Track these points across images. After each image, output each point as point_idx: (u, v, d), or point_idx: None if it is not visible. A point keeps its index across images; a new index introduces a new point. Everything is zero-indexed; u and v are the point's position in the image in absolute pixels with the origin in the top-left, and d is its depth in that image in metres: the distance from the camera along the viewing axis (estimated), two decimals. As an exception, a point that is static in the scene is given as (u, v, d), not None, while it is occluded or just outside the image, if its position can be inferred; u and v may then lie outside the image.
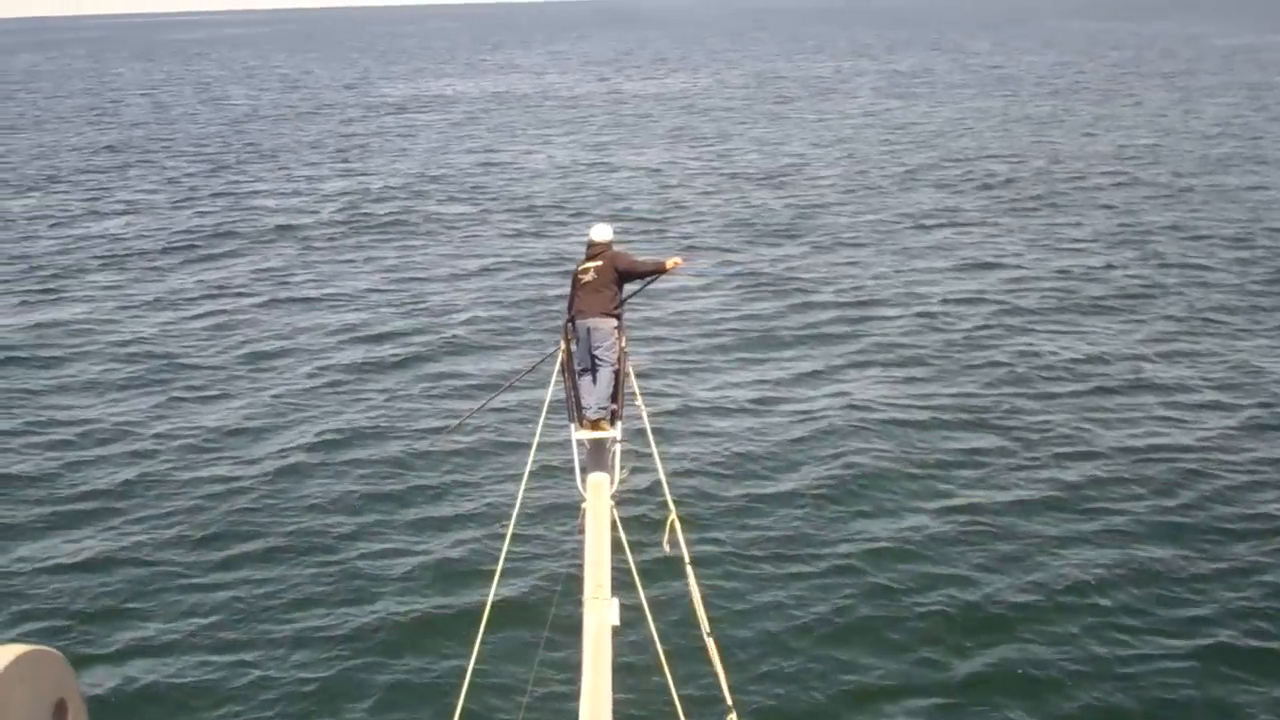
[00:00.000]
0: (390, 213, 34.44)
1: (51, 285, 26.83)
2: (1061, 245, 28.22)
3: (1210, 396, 18.02)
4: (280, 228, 32.68)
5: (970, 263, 26.68)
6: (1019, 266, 26.23)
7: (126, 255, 29.84)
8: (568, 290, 9.29)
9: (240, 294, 25.74)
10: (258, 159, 47.14)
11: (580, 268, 9.04)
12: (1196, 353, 20.11)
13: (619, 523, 6.67)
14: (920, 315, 22.58)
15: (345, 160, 46.10)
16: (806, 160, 42.92)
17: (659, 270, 9.28)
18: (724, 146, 47.39)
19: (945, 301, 23.45)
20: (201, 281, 26.93)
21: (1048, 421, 17.13)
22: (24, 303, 25.32)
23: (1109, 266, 25.92)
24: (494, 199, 36.65)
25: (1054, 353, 20.17)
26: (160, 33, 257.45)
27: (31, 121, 64.46)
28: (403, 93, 77.50)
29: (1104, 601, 12.15)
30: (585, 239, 9.40)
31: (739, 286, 25.08)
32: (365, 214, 34.46)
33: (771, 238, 30.02)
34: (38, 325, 23.39)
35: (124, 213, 35.72)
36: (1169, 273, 25.36)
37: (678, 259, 9.35)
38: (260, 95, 78.72)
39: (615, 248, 9.22)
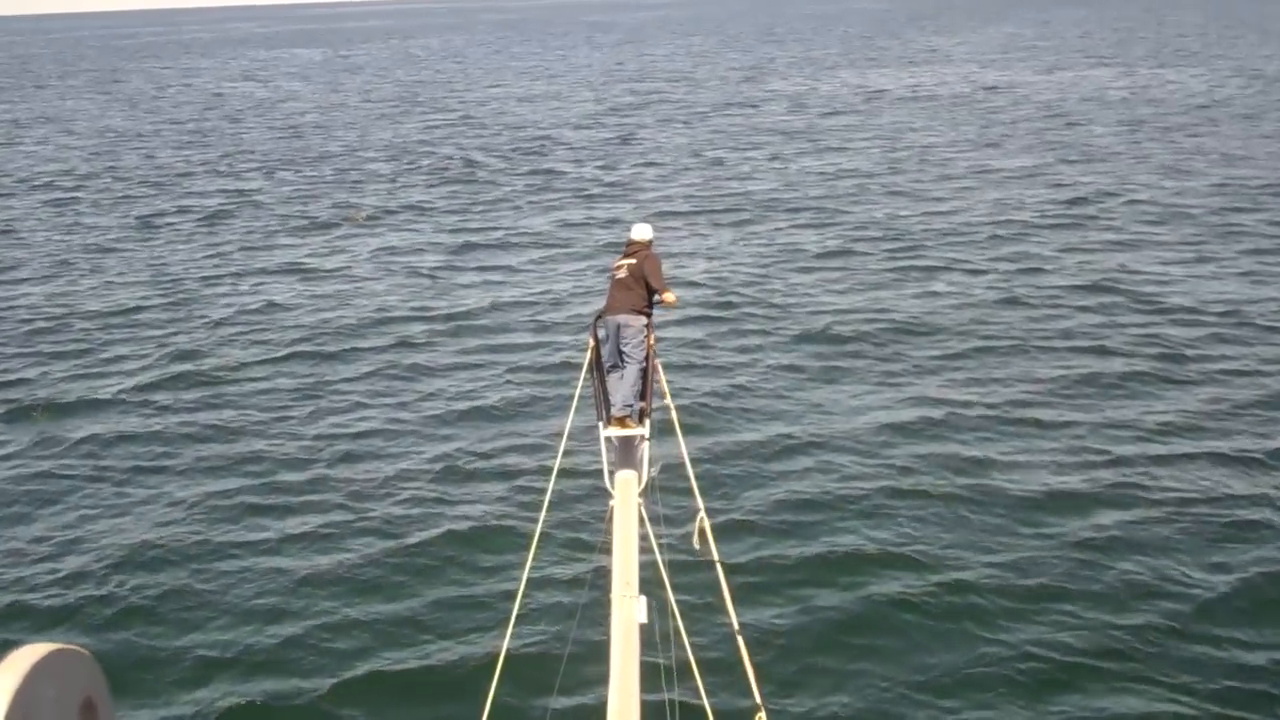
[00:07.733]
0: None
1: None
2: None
3: None
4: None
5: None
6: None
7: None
8: None
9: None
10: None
11: (615, 264, 9.16)
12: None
13: (647, 521, 6.66)
14: (969, 317, 22.37)
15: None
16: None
17: (660, 295, 8.94)
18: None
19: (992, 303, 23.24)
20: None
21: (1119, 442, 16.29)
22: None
23: None
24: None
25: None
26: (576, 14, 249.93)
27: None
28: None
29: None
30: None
31: (783, 284, 24.99)
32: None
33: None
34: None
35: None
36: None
37: (673, 298, 8.99)
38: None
39: (655, 249, 9.28)
